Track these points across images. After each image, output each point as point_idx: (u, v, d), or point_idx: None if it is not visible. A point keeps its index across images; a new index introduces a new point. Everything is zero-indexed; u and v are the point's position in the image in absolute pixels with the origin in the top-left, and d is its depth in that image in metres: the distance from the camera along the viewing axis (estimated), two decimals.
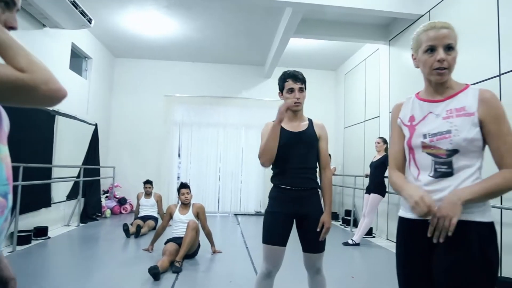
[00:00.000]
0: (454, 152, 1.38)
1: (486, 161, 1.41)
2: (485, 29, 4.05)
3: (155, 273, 3.49)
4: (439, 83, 1.46)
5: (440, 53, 1.40)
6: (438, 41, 1.40)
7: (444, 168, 1.40)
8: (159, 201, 6.45)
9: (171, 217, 4.59)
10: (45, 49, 5.66)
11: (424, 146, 1.45)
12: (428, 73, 1.45)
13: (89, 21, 5.62)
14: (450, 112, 1.42)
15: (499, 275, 3.61)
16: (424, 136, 1.45)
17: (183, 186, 4.66)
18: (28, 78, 0.88)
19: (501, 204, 3.62)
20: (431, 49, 1.42)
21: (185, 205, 4.61)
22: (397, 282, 1.54)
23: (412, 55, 1.53)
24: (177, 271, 3.83)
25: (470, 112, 1.38)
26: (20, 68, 0.88)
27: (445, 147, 1.39)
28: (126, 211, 8.11)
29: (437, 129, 1.42)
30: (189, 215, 4.50)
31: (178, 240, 4.25)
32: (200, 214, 4.57)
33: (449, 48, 1.40)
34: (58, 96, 0.93)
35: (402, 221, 1.54)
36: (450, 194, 1.33)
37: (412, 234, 1.48)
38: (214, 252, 4.72)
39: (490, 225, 1.35)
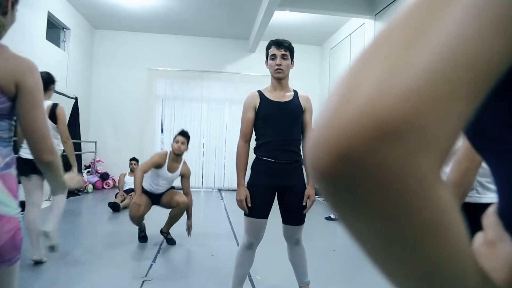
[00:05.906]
0: None
1: None
2: None
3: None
4: None
5: None
6: None
7: None
8: None
9: (155, 167, 3.79)
10: (18, 17, 5.37)
11: None
12: None
13: None
14: None
15: None
16: None
17: (182, 133, 3.84)
18: None
19: None
20: None
21: (177, 157, 3.83)
22: None
23: None
24: (172, 243, 3.90)
25: None
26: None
27: None
28: (108, 186, 8.02)
29: None
30: (176, 174, 3.88)
31: (153, 197, 3.84)
32: (185, 178, 3.96)
33: None
34: None
35: None
36: None
37: None
38: (189, 225, 3.93)
39: None
